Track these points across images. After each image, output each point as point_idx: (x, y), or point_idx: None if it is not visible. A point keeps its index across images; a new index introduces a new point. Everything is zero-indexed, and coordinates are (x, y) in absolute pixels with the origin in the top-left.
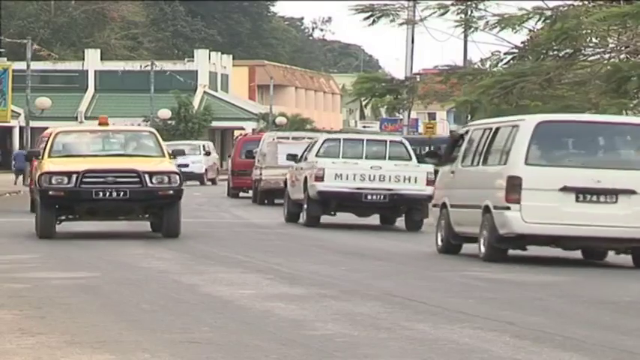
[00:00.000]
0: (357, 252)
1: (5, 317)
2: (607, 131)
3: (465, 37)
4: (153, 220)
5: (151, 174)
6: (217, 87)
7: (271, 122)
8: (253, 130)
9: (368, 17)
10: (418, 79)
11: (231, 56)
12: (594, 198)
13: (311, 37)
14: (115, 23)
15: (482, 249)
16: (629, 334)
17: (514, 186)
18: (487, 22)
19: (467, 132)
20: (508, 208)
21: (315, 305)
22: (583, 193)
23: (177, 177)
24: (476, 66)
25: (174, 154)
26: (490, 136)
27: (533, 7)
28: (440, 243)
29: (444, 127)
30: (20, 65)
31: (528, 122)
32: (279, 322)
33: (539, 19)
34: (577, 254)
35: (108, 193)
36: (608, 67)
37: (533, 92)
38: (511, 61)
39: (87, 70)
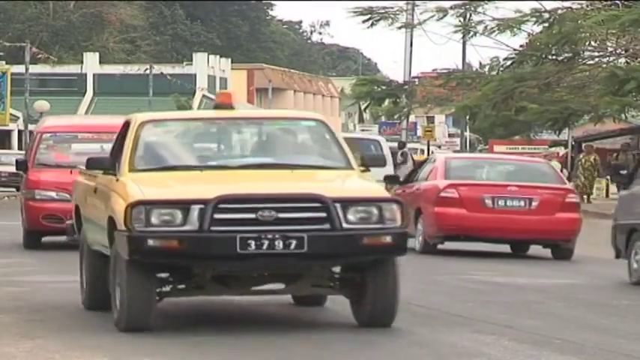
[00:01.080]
0: None
1: (4, 320)
2: None
3: (464, 40)
4: (343, 292)
5: (347, 203)
6: (216, 90)
7: None
8: None
9: (367, 20)
10: (417, 83)
11: (229, 60)
12: None
13: (309, 41)
14: (114, 27)
15: None
16: (627, 338)
17: None
18: (486, 26)
19: None
20: None
21: (312, 308)
22: None
23: (396, 208)
24: (475, 69)
25: (368, 164)
26: None
27: (531, 8)
28: None
29: (443, 131)
30: (19, 69)
31: None
32: (278, 324)
33: (537, 22)
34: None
35: (267, 243)
36: (607, 70)
37: (533, 96)
38: (510, 66)
39: (85, 74)
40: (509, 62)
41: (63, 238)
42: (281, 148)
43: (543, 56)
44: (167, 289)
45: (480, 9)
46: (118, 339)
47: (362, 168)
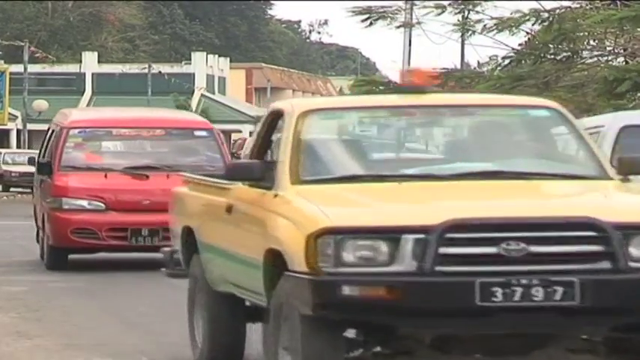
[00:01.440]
0: None
1: (3, 320)
2: None
3: (462, 40)
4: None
5: (632, 231)
6: (215, 90)
7: None
8: (250, 133)
9: (365, 19)
10: None
11: (228, 59)
12: None
13: (308, 40)
14: (113, 26)
15: None
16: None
17: None
18: (484, 25)
19: None
20: None
21: None
22: None
23: None
24: (473, 68)
25: (627, 171)
26: None
27: (530, 8)
28: None
29: None
30: (17, 68)
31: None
32: None
33: (536, 22)
34: None
35: (520, 292)
36: (605, 70)
37: (531, 95)
38: (509, 65)
39: (84, 73)
40: (507, 61)
41: (95, 256)
42: (504, 148)
43: (542, 55)
44: (356, 353)
45: (478, 8)
46: (118, 338)
47: (620, 176)
